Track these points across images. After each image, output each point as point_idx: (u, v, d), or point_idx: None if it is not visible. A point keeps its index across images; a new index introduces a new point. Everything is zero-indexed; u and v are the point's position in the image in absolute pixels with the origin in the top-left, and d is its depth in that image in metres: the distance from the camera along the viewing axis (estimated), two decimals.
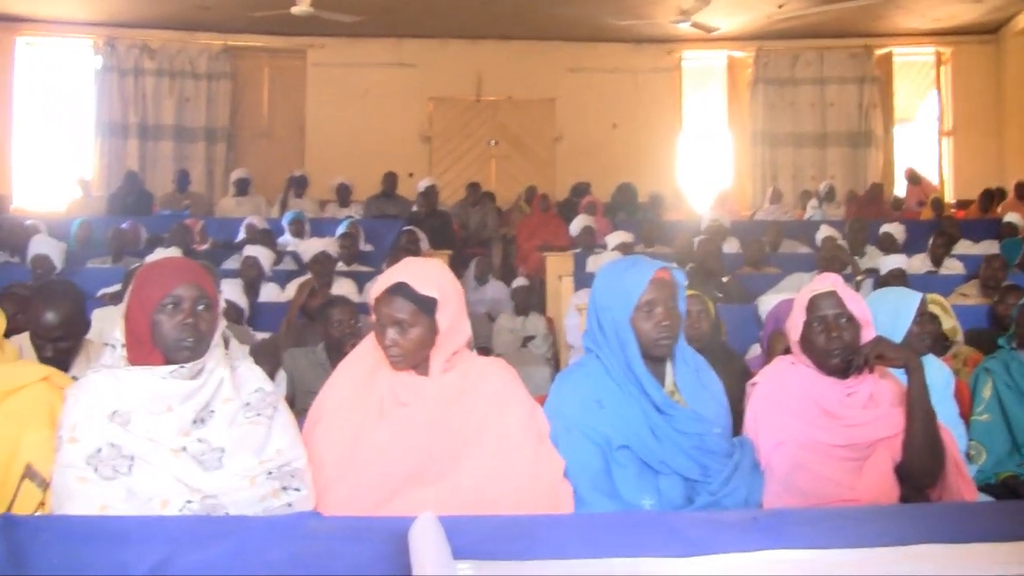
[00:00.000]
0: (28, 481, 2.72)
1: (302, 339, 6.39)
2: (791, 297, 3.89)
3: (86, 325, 4.27)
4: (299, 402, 5.08)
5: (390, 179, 13.33)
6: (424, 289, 2.92)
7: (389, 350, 2.92)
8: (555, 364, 9.02)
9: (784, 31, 15.09)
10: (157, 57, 15.71)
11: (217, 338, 2.79)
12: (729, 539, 1.82)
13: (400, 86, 15.70)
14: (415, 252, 8.97)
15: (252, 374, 2.88)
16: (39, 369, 2.88)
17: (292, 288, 7.95)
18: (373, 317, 2.97)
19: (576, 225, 11.00)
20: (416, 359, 2.96)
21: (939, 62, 16.34)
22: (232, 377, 2.80)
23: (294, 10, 12.10)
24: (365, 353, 3.06)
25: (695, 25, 13.64)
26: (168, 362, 2.71)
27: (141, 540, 1.58)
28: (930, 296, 3.87)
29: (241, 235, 10.77)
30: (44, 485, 2.70)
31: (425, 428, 2.91)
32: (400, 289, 2.92)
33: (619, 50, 15.95)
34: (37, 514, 2.38)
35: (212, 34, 15.67)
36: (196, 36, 15.71)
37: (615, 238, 9.93)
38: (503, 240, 13.34)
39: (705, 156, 16.72)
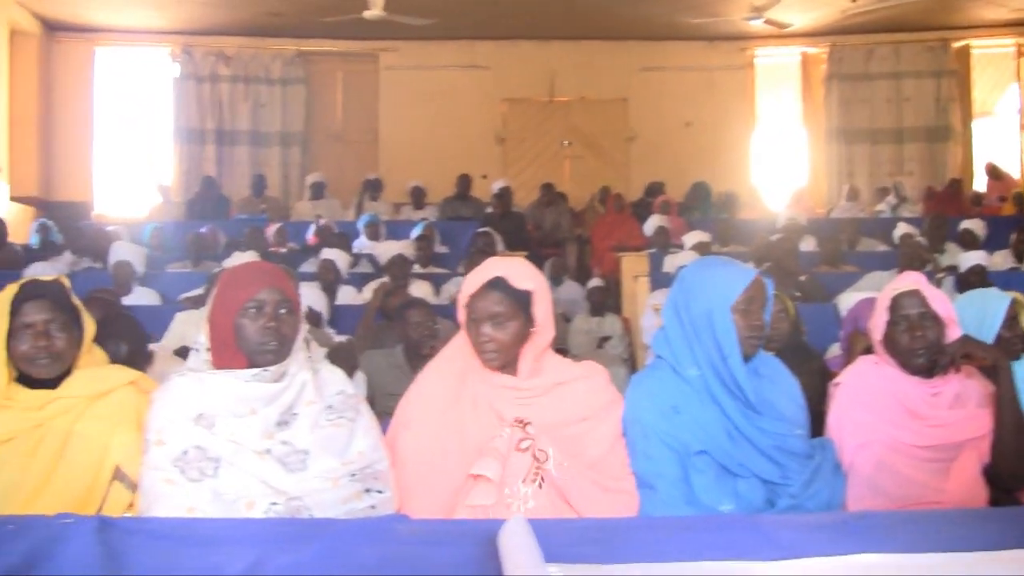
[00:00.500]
0: (117, 483, 2.77)
1: (379, 341, 6.42)
2: (871, 296, 3.84)
3: (145, 358, 4.35)
4: (378, 404, 5.09)
5: (464, 181, 13.39)
6: (520, 283, 2.92)
7: (484, 346, 2.91)
8: (631, 364, 8.99)
9: (858, 25, 14.87)
10: (232, 64, 15.87)
11: (299, 341, 2.81)
12: (819, 542, 1.79)
13: (473, 88, 15.73)
14: (491, 254, 8.98)
15: (334, 377, 2.90)
16: (127, 373, 2.92)
17: (369, 291, 8.00)
18: (463, 316, 2.96)
19: (650, 225, 10.96)
20: (510, 356, 2.95)
21: (1020, 54, 16.00)
22: (314, 380, 2.82)
23: (366, 14, 12.15)
24: (452, 355, 3.06)
25: (768, 22, 13.52)
26: (251, 365, 2.74)
27: (232, 542, 1.60)
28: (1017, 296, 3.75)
29: (310, 232, 10.87)
30: (132, 487, 2.74)
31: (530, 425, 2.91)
32: (497, 283, 2.92)
33: (692, 48, 15.85)
34: (128, 515, 2.41)
35: (285, 40, 15.79)
36: (269, 42, 15.84)
37: (692, 238, 9.89)
38: (577, 241, 13.32)
39: (779, 154, 16.56)
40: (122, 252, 8.50)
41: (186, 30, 15.49)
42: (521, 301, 2.93)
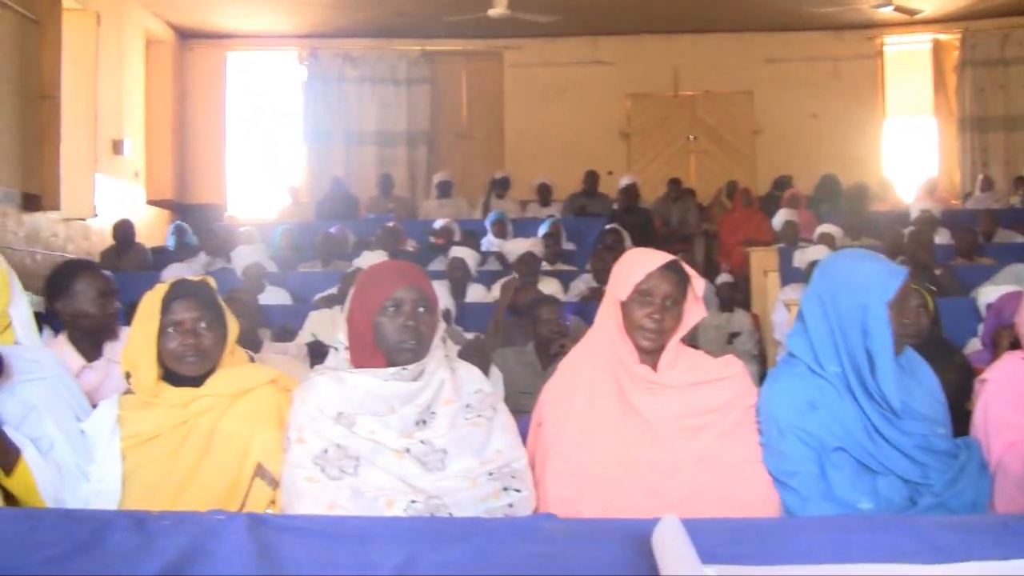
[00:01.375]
0: (259, 480, 2.81)
1: (509, 338, 6.44)
2: (1014, 290, 3.72)
3: (255, 343, 4.45)
4: (510, 401, 5.10)
5: (591, 177, 13.36)
6: (689, 272, 2.94)
7: (648, 327, 2.88)
8: (762, 361, 8.89)
9: (992, 9, 14.46)
10: (359, 65, 16.04)
11: (437, 340, 2.82)
12: (980, 545, 1.73)
13: (597, 84, 15.64)
14: (619, 250, 8.95)
15: (471, 375, 2.90)
16: (267, 372, 2.96)
17: (498, 288, 8.03)
18: (625, 296, 2.91)
19: (779, 219, 10.82)
20: (665, 341, 2.92)
21: None
22: (452, 378, 2.83)
23: (491, 13, 12.18)
24: (590, 348, 3.05)
25: (898, 9, 13.21)
26: (390, 364, 2.76)
27: (383, 540, 1.61)
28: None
29: (432, 239, 10.95)
30: (274, 484, 2.79)
31: (659, 425, 2.88)
32: (673, 265, 2.91)
33: (818, 38, 15.55)
34: (274, 512, 2.44)
35: (410, 40, 15.91)
36: (394, 43, 15.98)
37: (823, 231, 9.74)
38: (705, 236, 13.22)
39: (910, 144, 16.19)
40: (246, 254, 8.65)
41: (313, 33, 15.72)
42: (685, 289, 2.94)
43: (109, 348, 3.97)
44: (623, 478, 2.81)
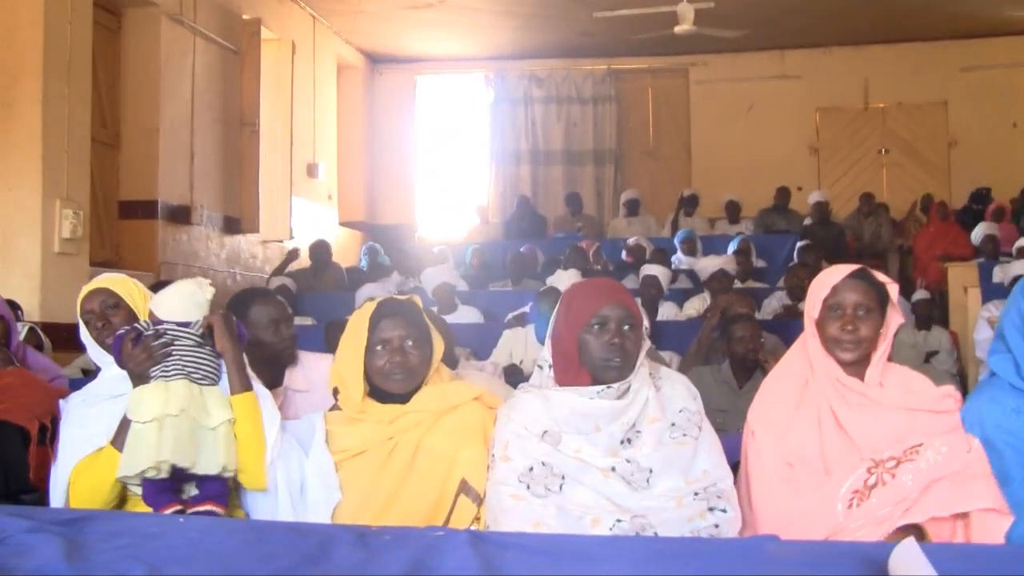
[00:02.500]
0: (463, 496, 2.82)
1: (708, 357, 6.38)
2: None
3: (453, 361, 4.51)
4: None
5: (783, 194, 13.18)
6: (879, 277, 2.86)
7: (844, 337, 2.79)
8: (961, 381, 8.59)
9: None
10: (544, 85, 16.16)
11: (642, 357, 2.80)
12: None
13: (785, 98, 15.41)
14: (815, 267, 8.78)
15: (676, 393, 2.86)
16: (472, 389, 2.97)
17: (691, 306, 7.97)
18: (818, 312, 2.85)
19: (979, 232, 10.49)
20: (867, 350, 2.82)
21: None
22: (657, 397, 2.79)
23: (677, 29, 12.09)
24: (792, 368, 2.98)
25: None
26: (595, 382, 2.74)
27: (606, 559, 1.59)
28: None
29: (624, 256, 10.93)
30: (478, 501, 2.79)
31: (870, 440, 2.78)
32: (861, 274, 2.84)
33: (1019, 44, 14.98)
34: (524, 531, 2.44)
35: (596, 59, 15.96)
36: (580, 62, 16.05)
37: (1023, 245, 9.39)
38: (899, 251, 12.87)
39: None
40: (437, 274, 8.75)
41: (499, 55, 15.90)
42: (880, 296, 2.83)
43: (288, 375, 3.99)
44: (829, 498, 2.72)
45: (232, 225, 11.34)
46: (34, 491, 3.32)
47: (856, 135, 15.59)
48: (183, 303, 3.06)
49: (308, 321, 8.98)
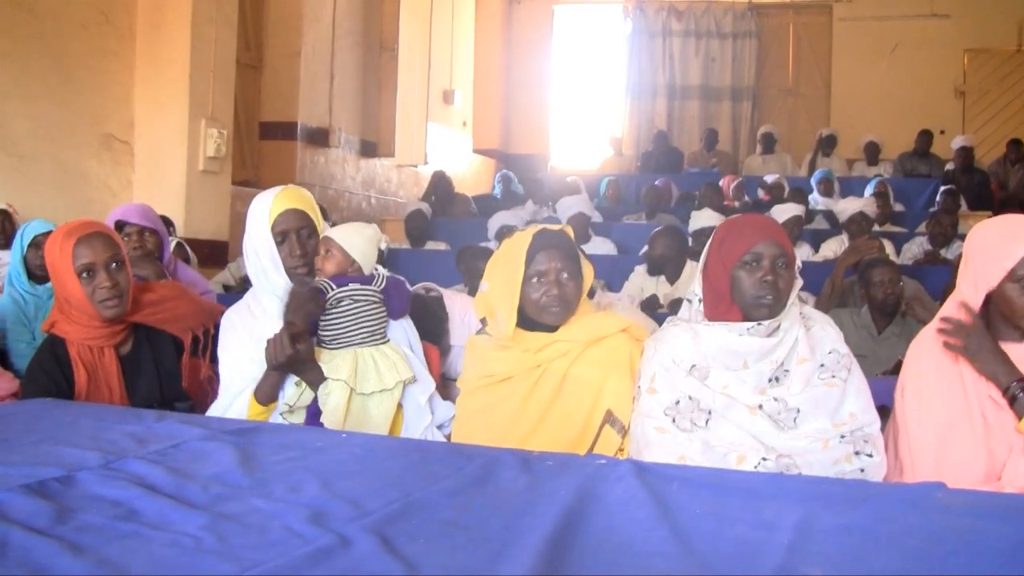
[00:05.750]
0: (608, 427, 2.83)
1: (845, 299, 6.28)
2: None
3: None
4: None
5: (924, 137, 12.83)
6: None
7: None
8: None
9: None
10: (684, 18, 15.95)
11: (793, 296, 2.76)
12: None
13: (933, 38, 14.94)
14: (954, 213, 8.56)
15: (826, 335, 2.81)
16: (620, 320, 2.97)
17: (828, 248, 7.85)
18: (994, 283, 2.67)
19: None
20: None
21: None
22: (807, 337, 2.75)
23: None
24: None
25: None
26: (745, 319, 2.71)
27: (775, 497, 1.58)
28: None
29: (760, 195, 10.78)
30: (623, 431, 2.80)
31: None
32: None
33: None
34: (664, 462, 2.45)
35: None
36: None
37: None
38: None
39: None
40: (571, 204, 8.73)
41: None
42: None
43: None
44: (992, 452, 2.64)
45: (368, 149, 11.46)
46: (187, 399, 3.43)
47: (1006, 79, 15.04)
48: (372, 250, 3.13)
49: (441, 246, 9.06)
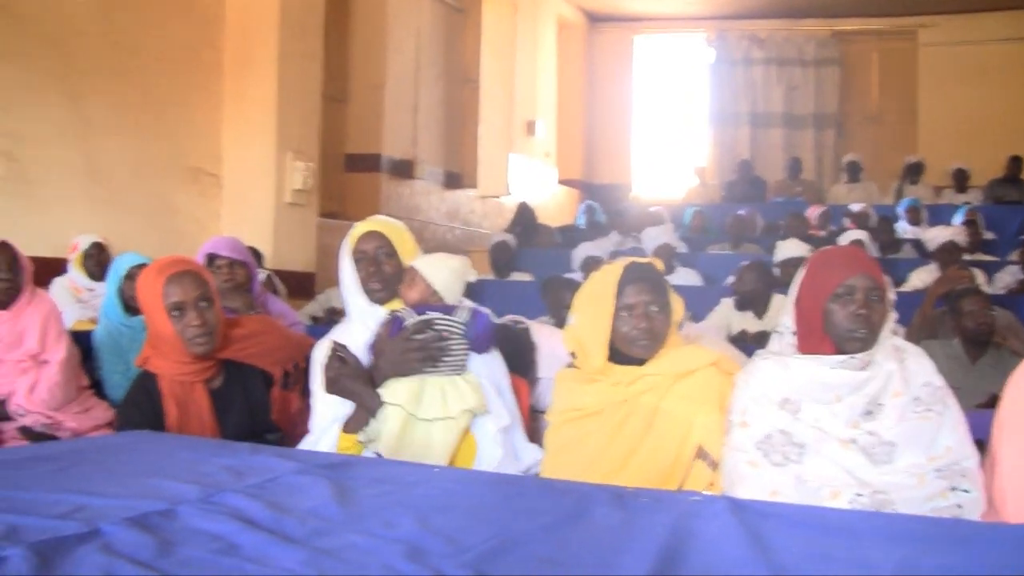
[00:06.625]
0: (699, 461, 2.81)
1: (935, 330, 6.19)
2: None
3: None
4: None
5: (1014, 163, 12.67)
6: None
7: None
8: None
9: None
10: (765, 46, 15.92)
11: (887, 330, 2.73)
12: None
13: (1020, 62, 14.71)
14: None
15: (920, 367, 2.76)
16: (710, 354, 2.95)
17: (917, 277, 7.74)
18: None
19: None
20: None
21: None
22: (901, 370, 2.72)
23: None
24: None
25: None
26: (838, 351, 2.68)
27: (875, 536, 1.56)
28: None
29: (846, 223, 10.67)
30: (714, 466, 2.78)
31: None
32: None
33: None
34: (761, 499, 2.43)
35: (819, 20, 15.63)
36: (803, 23, 15.73)
37: None
38: None
39: None
40: (656, 234, 8.71)
41: (720, 15, 15.71)
42: None
43: None
44: None
45: (452, 180, 11.54)
46: (277, 431, 3.47)
47: None
48: (457, 281, 3.14)
49: (525, 277, 9.08)
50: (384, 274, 3.25)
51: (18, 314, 4.43)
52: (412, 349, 3.02)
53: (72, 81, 6.80)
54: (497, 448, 3.07)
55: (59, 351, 4.47)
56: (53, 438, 4.29)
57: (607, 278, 2.92)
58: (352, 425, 3.03)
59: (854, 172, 13.39)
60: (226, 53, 8.08)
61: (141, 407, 3.27)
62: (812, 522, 1.66)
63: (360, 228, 3.32)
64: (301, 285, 8.10)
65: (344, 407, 3.06)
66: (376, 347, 3.09)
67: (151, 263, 3.41)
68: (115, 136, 7.12)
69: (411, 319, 3.06)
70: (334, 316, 7.26)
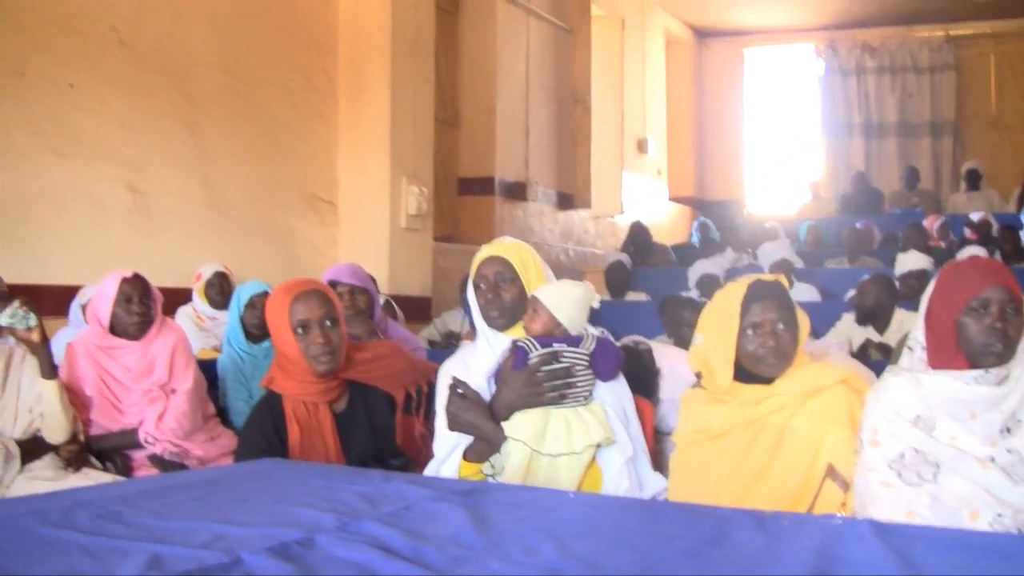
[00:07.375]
0: (829, 481, 2.77)
1: None
2: None
3: None
4: None
5: None
6: None
7: None
8: None
9: None
10: (877, 55, 15.70)
11: (1023, 343, 2.65)
12: None
13: None
14: None
15: None
16: (838, 372, 2.90)
17: None
18: None
19: None
20: None
21: None
22: None
23: None
24: None
25: None
26: (972, 366, 2.62)
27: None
28: None
29: (967, 233, 10.43)
30: (845, 486, 2.73)
31: None
32: None
33: None
34: (890, 517, 2.39)
35: (932, 25, 15.36)
36: (916, 29, 15.49)
37: None
38: None
39: None
40: (772, 250, 8.62)
41: (830, 25, 15.54)
42: None
43: None
44: None
45: (565, 200, 11.55)
46: (401, 455, 3.49)
47: None
48: (582, 311, 3.10)
49: (641, 297, 9.05)
50: (502, 301, 3.18)
51: (148, 344, 4.51)
52: (538, 383, 2.97)
53: (190, 112, 6.95)
54: (623, 480, 2.99)
55: (187, 380, 4.54)
56: (182, 466, 4.38)
57: (732, 296, 2.90)
58: (473, 455, 3.02)
59: (973, 180, 13.11)
60: (339, 80, 8.20)
61: (262, 427, 3.32)
62: (962, 545, 1.62)
63: (483, 252, 3.27)
64: (417, 309, 8.16)
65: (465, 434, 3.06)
66: (500, 377, 3.05)
67: (279, 285, 3.46)
68: (233, 165, 7.26)
69: (535, 351, 3.00)
70: (451, 340, 7.29)
